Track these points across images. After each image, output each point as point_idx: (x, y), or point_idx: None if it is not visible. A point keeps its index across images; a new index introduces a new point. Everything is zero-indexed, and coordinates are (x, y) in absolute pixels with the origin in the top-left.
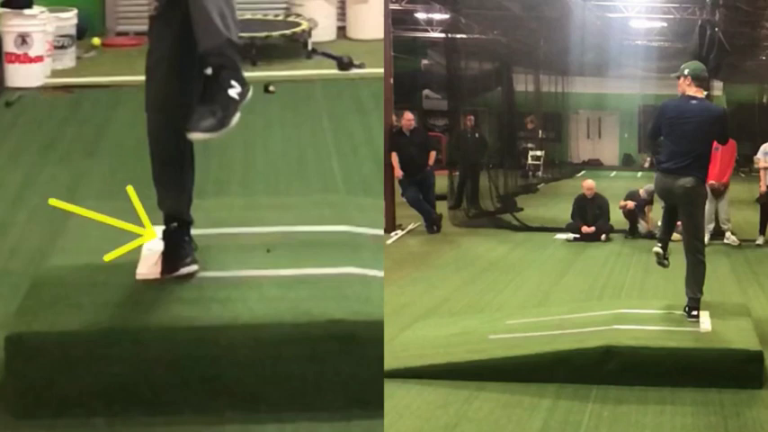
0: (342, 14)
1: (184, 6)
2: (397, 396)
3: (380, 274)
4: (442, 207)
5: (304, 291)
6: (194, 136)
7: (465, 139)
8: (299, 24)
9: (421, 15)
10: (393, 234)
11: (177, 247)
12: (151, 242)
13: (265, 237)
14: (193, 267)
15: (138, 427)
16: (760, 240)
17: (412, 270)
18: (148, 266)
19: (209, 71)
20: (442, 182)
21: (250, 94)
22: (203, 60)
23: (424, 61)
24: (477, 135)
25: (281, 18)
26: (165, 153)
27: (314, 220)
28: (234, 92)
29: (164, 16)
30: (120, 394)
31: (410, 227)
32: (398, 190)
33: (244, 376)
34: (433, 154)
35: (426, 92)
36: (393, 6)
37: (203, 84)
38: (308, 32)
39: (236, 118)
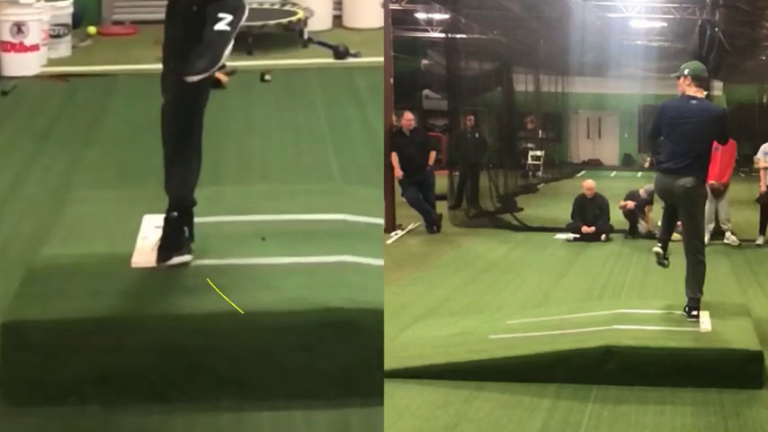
0: (338, 3)
1: None
2: (397, 396)
3: (378, 262)
4: (441, 207)
5: (300, 279)
6: (191, 78)
7: (465, 139)
8: (294, 13)
9: (421, 15)
10: (393, 234)
11: (173, 237)
12: (147, 230)
13: (261, 225)
14: (187, 257)
15: (134, 415)
16: (760, 240)
17: (412, 270)
18: (144, 254)
19: (194, 8)
20: (442, 182)
21: (245, 14)
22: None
23: (424, 61)
24: (477, 135)
25: (276, 7)
26: (173, 135)
27: (310, 208)
28: (222, 24)
29: (176, 4)
30: (115, 382)
31: (410, 227)
32: (398, 190)
33: (239, 364)
34: (433, 154)
35: (426, 92)
36: (393, 6)
37: (191, 24)
38: (304, 21)
39: (229, 48)
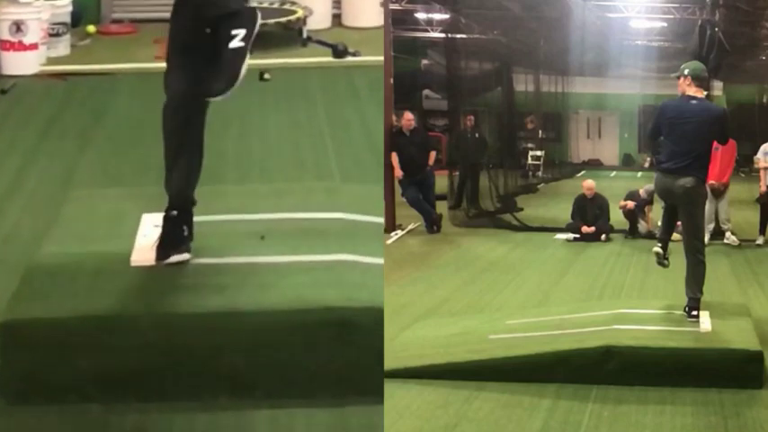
0: (337, 2)
1: None
2: (397, 396)
3: (377, 260)
4: (441, 207)
5: (299, 278)
6: (212, 99)
7: (465, 139)
8: (294, 12)
9: (421, 15)
10: (393, 234)
11: (172, 235)
12: (147, 228)
13: (260, 224)
14: (185, 256)
15: (133, 414)
16: (760, 240)
17: (412, 270)
18: (143, 253)
19: (207, 30)
20: (442, 182)
21: (259, 20)
22: (201, 18)
23: (424, 61)
24: (477, 135)
25: (276, 6)
26: (175, 136)
27: (309, 207)
28: (237, 41)
29: (183, 5)
30: (114, 380)
31: (410, 227)
32: (398, 190)
33: (239, 363)
34: (433, 154)
35: (426, 92)
36: (393, 6)
37: (207, 43)
38: (303, 20)
39: (245, 66)
